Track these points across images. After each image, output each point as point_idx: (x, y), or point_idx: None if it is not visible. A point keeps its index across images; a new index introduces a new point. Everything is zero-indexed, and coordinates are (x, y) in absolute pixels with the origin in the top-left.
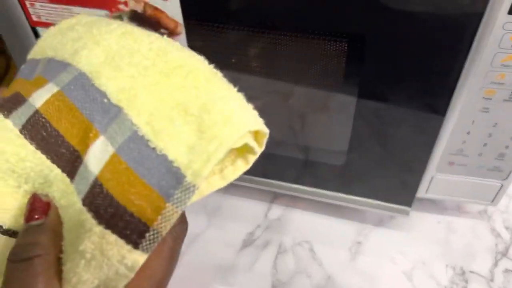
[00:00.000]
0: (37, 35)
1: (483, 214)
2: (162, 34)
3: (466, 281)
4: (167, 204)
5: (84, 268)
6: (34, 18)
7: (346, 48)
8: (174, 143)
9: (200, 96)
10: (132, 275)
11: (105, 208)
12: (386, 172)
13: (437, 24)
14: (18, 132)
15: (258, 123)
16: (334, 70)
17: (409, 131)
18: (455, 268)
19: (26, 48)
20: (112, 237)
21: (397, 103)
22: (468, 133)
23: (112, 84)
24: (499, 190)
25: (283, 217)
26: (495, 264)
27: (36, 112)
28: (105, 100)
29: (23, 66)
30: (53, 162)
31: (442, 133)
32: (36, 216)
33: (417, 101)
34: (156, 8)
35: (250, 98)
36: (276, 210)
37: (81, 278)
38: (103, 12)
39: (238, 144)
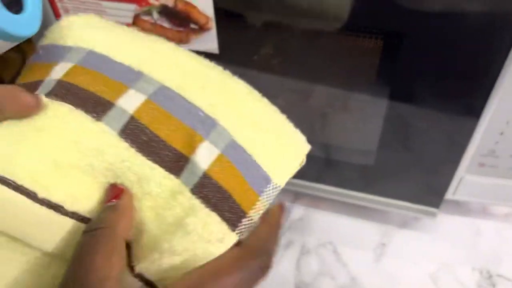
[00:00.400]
0: None
1: (509, 216)
2: (192, 29)
3: (494, 285)
4: (260, 198)
5: (179, 238)
6: (62, 12)
7: (381, 45)
8: (262, 154)
9: (270, 119)
10: (214, 256)
11: (213, 194)
12: (415, 173)
13: (478, 22)
14: (118, 136)
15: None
16: (367, 68)
17: (441, 131)
18: (482, 272)
19: None
20: (216, 218)
21: (431, 103)
22: (502, 133)
23: (201, 100)
24: None
25: (305, 217)
26: None
27: (132, 117)
28: (200, 113)
29: (41, 52)
30: (155, 162)
31: (474, 134)
32: (112, 200)
33: (453, 101)
34: (187, 3)
35: (276, 96)
36: (298, 210)
37: (173, 247)
38: (133, 6)
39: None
